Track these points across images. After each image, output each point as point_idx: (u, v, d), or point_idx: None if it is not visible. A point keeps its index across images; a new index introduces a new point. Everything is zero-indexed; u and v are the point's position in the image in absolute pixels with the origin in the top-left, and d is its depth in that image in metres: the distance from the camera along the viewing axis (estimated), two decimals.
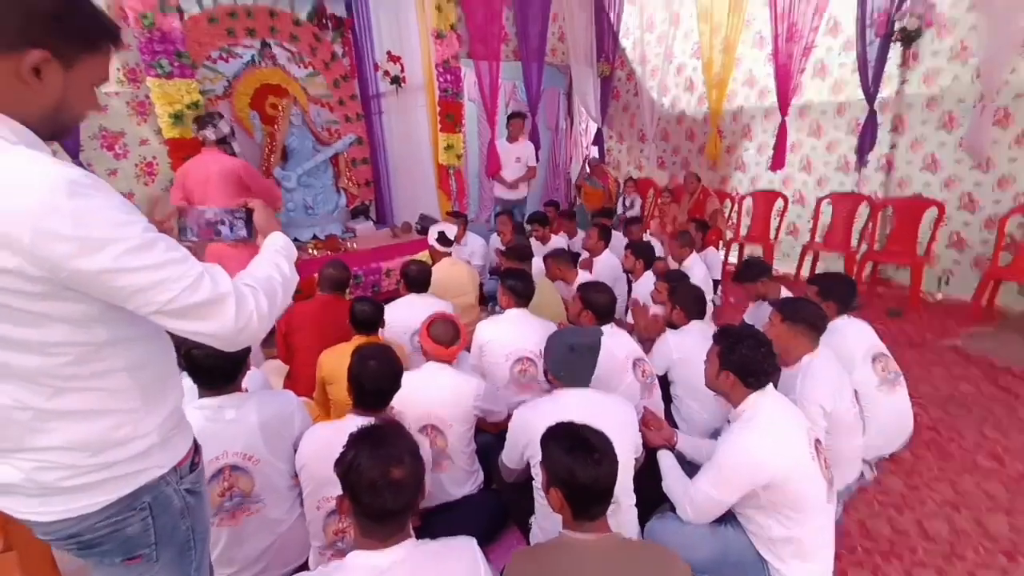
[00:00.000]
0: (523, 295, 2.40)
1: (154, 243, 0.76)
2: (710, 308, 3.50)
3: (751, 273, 2.82)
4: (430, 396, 1.89)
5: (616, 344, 2.15)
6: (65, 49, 0.74)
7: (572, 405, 1.62)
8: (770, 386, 1.56)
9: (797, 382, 1.83)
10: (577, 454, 1.14)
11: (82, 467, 0.82)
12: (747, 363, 1.51)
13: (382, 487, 0.99)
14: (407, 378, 1.96)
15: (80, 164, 2.63)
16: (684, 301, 2.37)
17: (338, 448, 1.53)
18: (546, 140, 6.95)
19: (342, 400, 2.12)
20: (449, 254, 3.52)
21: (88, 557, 0.90)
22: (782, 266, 4.95)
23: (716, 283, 3.97)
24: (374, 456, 1.02)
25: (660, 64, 5.47)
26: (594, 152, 6.27)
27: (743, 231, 5.19)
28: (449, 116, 4.24)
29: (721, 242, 5.18)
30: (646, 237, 5.09)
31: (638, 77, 5.71)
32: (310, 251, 4.20)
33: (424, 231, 4.56)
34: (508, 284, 2.39)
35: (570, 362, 1.66)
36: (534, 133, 5.27)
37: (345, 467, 1.03)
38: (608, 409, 1.64)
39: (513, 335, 2.33)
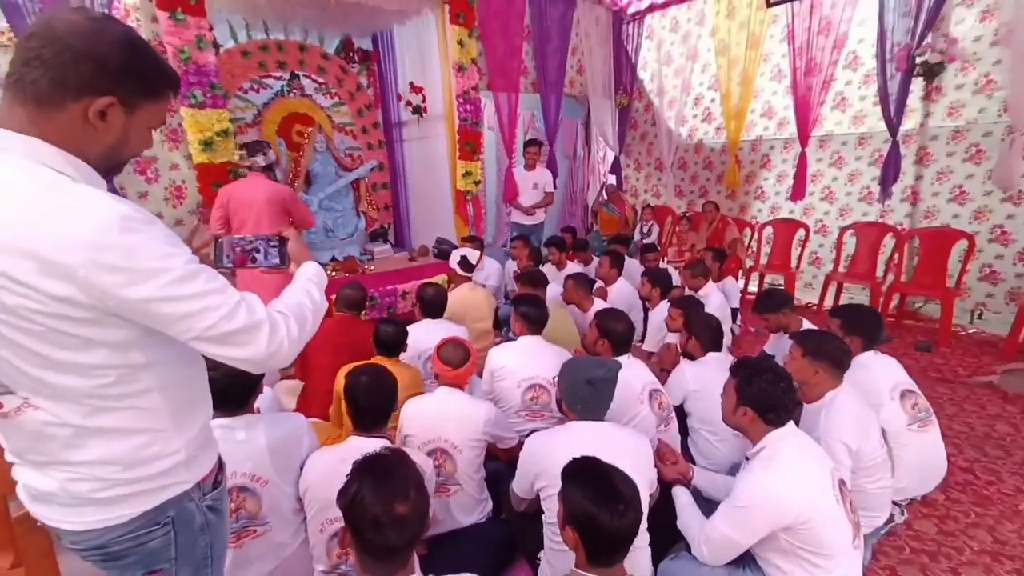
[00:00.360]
0: (536, 322, 2.39)
1: (196, 274, 0.80)
2: (728, 338, 3.43)
3: (772, 303, 2.75)
4: (439, 419, 1.88)
5: (633, 374, 2.11)
6: (129, 96, 0.80)
7: (586, 438, 1.58)
8: (791, 423, 1.50)
9: (820, 419, 1.76)
10: (602, 503, 1.08)
11: (113, 480, 0.85)
12: (766, 398, 1.46)
13: (385, 524, 0.97)
14: (418, 401, 1.96)
15: (113, 187, 2.75)
16: (700, 331, 2.32)
17: (341, 471, 1.52)
18: (564, 168, 7.04)
19: None
20: (470, 279, 3.53)
21: (111, 569, 0.92)
22: (804, 296, 4.84)
23: (735, 312, 3.89)
24: (378, 491, 1.00)
25: (678, 96, 5.54)
26: (611, 179, 6.31)
27: (763, 260, 5.12)
28: (468, 144, 4.33)
29: (741, 271, 5.11)
30: (663, 264, 5.09)
31: (656, 108, 5.78)
32: (329, 272, 4.29)
33: (441, 254, 4.62)
34: (521, 311, 2.38)
35: (587, 396, 1.62)
36: (551, 161, 5.35)
37: (348, 500, 1.01)
38: (623, 443, 1.59)
39: (526, 362, 2.30)
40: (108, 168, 0.85)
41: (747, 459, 1.55)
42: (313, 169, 4.56)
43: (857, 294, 4.50)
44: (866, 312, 2.29)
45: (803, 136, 4.59)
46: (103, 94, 0.77)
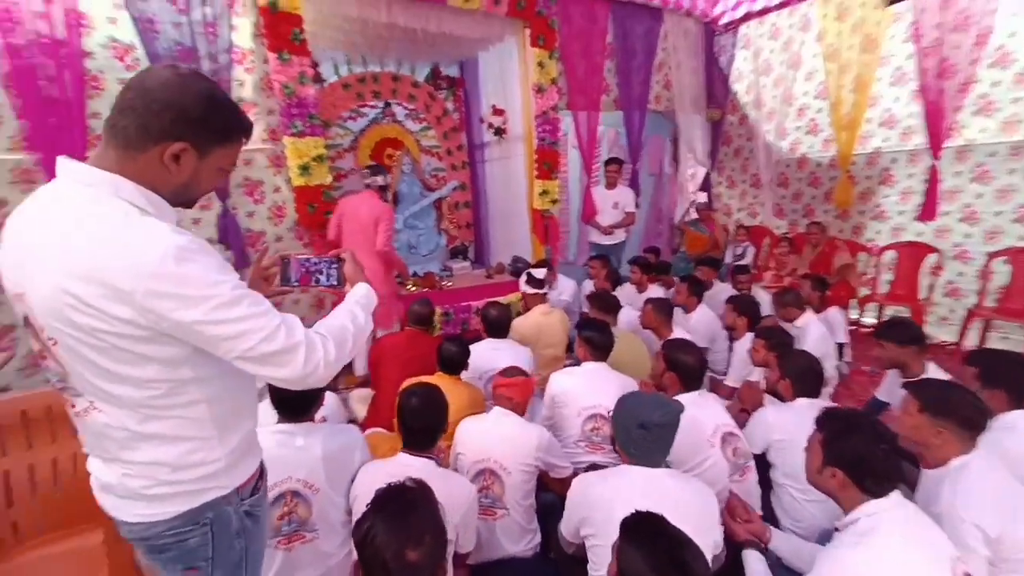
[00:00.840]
0: (600, 347, 2.26)
1: (240, 300, 0.86)
2: (833, 377, 3.00)
3: (899, 334, 2.24)
4: (491, 440, 1.84)
5: (704, 414, 1.90)
6: (202, 142, 0.90)
7: (638, 487, 1.43)
8: (896, 493, 1.22)
9: (943, 490, 1.43)
10: (664, 573, 0.96)
11: (160, 480, 0.94)
12: (861, 460, 1.21)
13: (394, 570, 0.93)
14: (473, 421, 1.93)
15: (226, 207, 3.11)
16: (794, 372, 2.02)
17: (385, 482, 1.52)
18: (649, 186, 6.76)
19: None
20: (543, 297, 3.45)
21: (155, 561, 1.01)
22: (937, 332, 4.11)
23: (841, 348, 3.40)
24: (391, 531, 0.96)
25: (777, 107, 5.08)
26: (702, 198, 5.93)
27: (883, 288, 4.45)
28: (546, 164, 4.32)
29: (854, 300, 4.49)
30: (757, 290, 4.63)
31: (752, 121, 5.36)
32: (408, 287, 4.48)
33: (516, 272, 4.62)
34: (585, 335, 2.27)
35: (640, 440, 1.47)
36: (634, 179, 5.16)
37: (360, 537, 0.98)
38: (681, 496, 1.42)
39: (588, 390, 2.18)
40: (180, 202, 0.95)
41: (836, 529, 1.29)
42: (400, 189, 4.84)
43: (1013, 333, 3.72)
44: (1015, 360, 1.84)
45: (935, 147, 3.95)
46: (178, 139, 0.86)
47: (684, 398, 1.95)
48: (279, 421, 1.66)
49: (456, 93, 5.39)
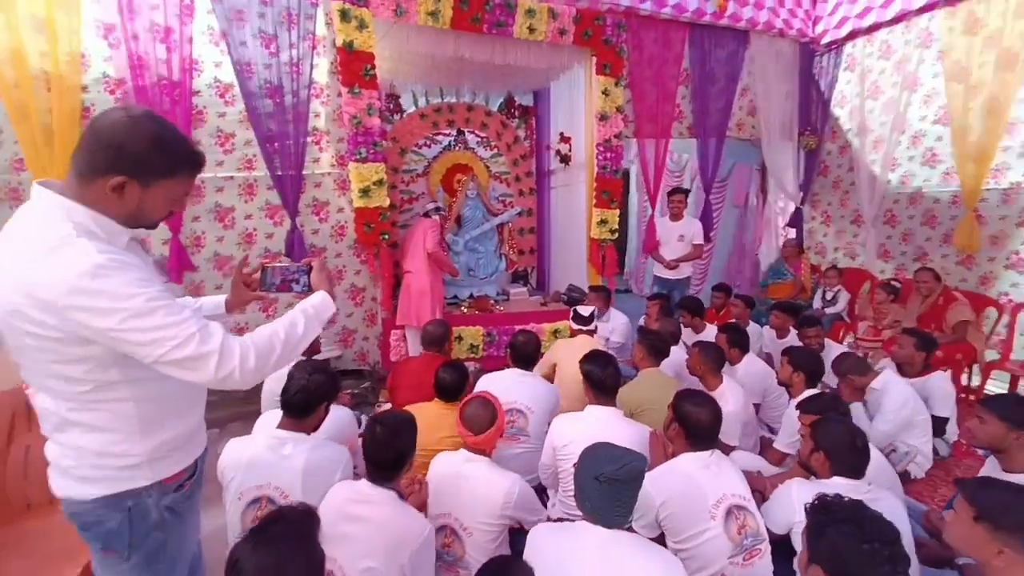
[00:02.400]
0: (602, 387, 2.10)
1: (155, 311, 0.97)
2: (921, 458, 2.49)
3: (1007, 410, 1.81)
4: (453, 491, 1.73)
5: (710, 480, 1.67)
6: (143, 176, 1.02)
7: (593, 548, 1.29)
8: None
9: None
10: None
11: (86, 463, 1.06)
12: (844, 565, 0.97)
13: None
14: (441, 461, 1.86)
15: (295, 224, 3.45)
16: (830, 444, 1.71)
17: (346, 511, 1.52)
18: (732, 218, 6.30)
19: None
20: (590, 332, 3.34)
21: (84, 538, 1.12)
22: None
23: (942, 422, 2.80)
24: (254, 562, 0.95)
25: (887, 134, 4.44)
26: (791, 233, 5.35)
27: (1017, 354, 3.62)
28: (605, 192, 4.20)
29: (976, 366, 3.71)
30: (847, 345, 4.05)
31: (855, 150, 4.74)
32: (462, 309, 4.58)
33: (570, 302, 4.51)
34: (585, 368, 2.13)
35: (595, 495, 1.33)
36: (707, 211, 4.81)
37: (229, 560, 0.99)
38: (642, 566, 1.25)
39: (591, 437, 2.01)
40: (136, 224, 1.07)
41: None
42: (464, 213, 5.01)
43: None
44: None
45: None
46: (119, 174, 0.98)
47: (690, 458, 1.73)
48: (279, 426, 1.75)
49: (528, 121, 5.50)
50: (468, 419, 1.81)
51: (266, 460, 1.65)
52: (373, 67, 3.41)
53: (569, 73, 4.51)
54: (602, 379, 2.08)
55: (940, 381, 2.83)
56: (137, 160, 0.99)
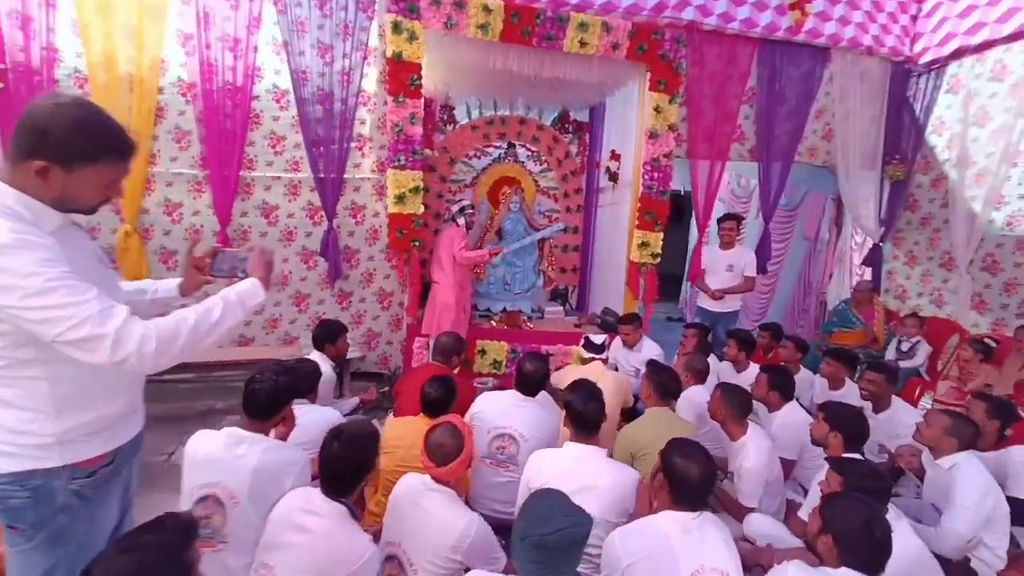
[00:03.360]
0: (581, 422, 1.92)
1: (53, 291, 0.98)
2: (991, 553, 2.06)
3: None
4: (405, 522, 1.64)
5: (686, 545, 1.46)
6: (64, 161, 1.05)
7: None
8: None
9: None
10: None
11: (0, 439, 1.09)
12: None
13: None
14: (401, 485, 1.77)
15: (331, 226, 3.58)
16: (842, 528, 1.42)
17: (294, 520, 1.49)
18: (800, 251, 5.75)
19: (387, 468, 2.10)
20: (603, 361, 3.20)
21: None
22: None
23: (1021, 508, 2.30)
24: (112, 569, 0.92)
25: (993, 167, 3.83)
26: (866, 274, 4.76)
27: None
28: (649, 214, 3.97)
29: None
30: (923, 406, 3.52)
31: (952, 183, 4.13)
32: (492, 322, 4.52)
33: (605, 326, 4.31)
34: (566, 400, 1.96)
35: (522, 557, 1.18)
36: (766, 241, 4.40)
37: (86, 568, 0.95)
38: None
39: (573, 475, 1.85)
40: (68, 208, 1.11)
41: None
42: (505, 226, 4.96)
43: None
44: None
45: None
46: (38, 158, 1.02)
47: (669, 518, 1.53)
48: (241, 424, 1.75)
49: (581, 137, 5.38)
50: (431, 448, 1.70)
51: (219, 458, 1.63)
52: (419, 77, 3.48)
53: (624, 89, 4.35)
54: (582, 413, 1.91)
55: (1021, 457, 2.34)
56: (59, 145, 1.02)
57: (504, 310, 4.81)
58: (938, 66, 4.29)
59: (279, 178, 3.54)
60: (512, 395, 2.47)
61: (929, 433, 2.23)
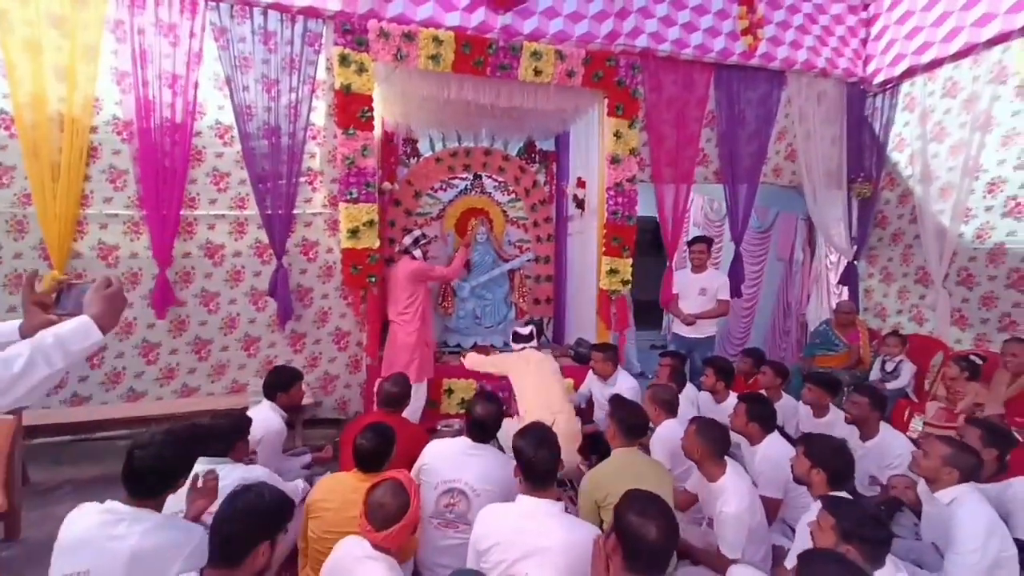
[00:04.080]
0: (532, 472, 1.68)
1: None
2: None
3: None
4: None
5: None
6: None
7: None
8: None
9: None
10: None
11: None
12: None
13: None
14: (340, 548, 1.53)
15: (280, 264, 3.40)
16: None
17: None
18: (776, 273, 5.68)
19: (315, 535, 1.84)
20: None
21: None
22: None
23: None
24: None
25: (956, 180, 3.81)
26: (844, 293, 4.66)
27: None
28: (615, 239, 3.85)
29: None
30: (914, 430, 3.36)
31: (918, 198, 4.10)
32: (461, 358, 4.28)
33: (577, 357, 4.12)
34: (517, 444, 1.73)
35: None
36: (738, 264, 4.29)
37: None
38: None
39: (523, 536, 1.61)
40: None
41: None
42: (472, 258, 4.81)
43: None
44: None
45: None
46: None
47: None
48: (122, 498, 1.48)
49: (548, 166, 5.32)
50: (371, 509, 1.48)
51: (88, 539, 1.37)
52: (370, 109, 3.39)
53: (586, 116, 4.32)
54: (532, 462, 1.68)
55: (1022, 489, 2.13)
56: None
57: (475, 345, 4.59)
58: (891, 85, 4.35)
59: (223, 216, 3.36)
60: (462, 443, 2.19)
61: (928, 464, 2.02)
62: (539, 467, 1.66)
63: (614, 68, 3.76)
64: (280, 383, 2.48)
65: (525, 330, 3.52)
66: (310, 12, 3.29)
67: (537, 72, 3.64)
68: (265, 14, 3.26)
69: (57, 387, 3.17)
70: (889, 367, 3.86)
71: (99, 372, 3.26)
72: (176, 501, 1.64)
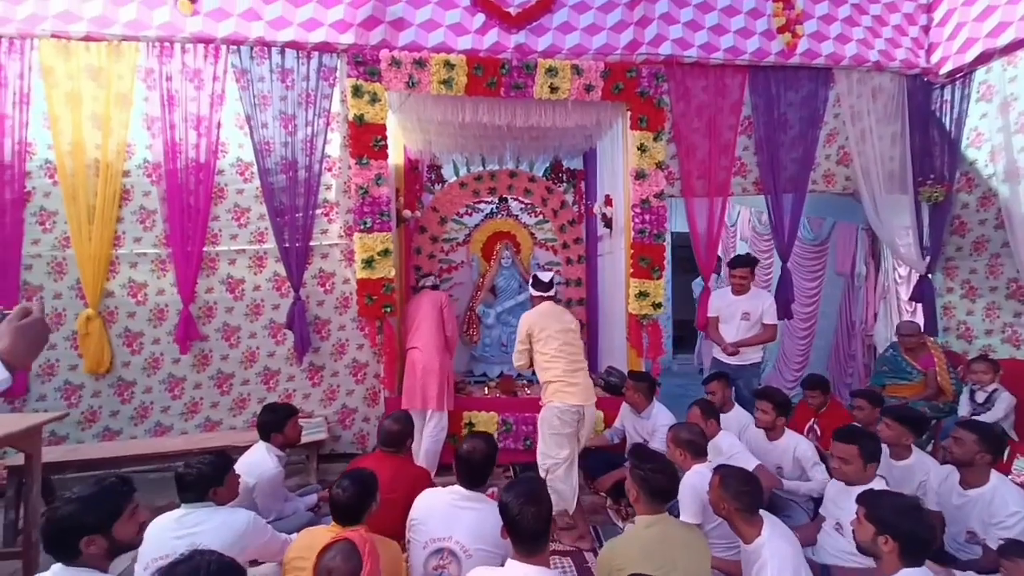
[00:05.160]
0: (525, 538, 1.44)
1: None
2: None
3: None
4: None
5: None
6: None
7: None
8: None
9: None
10: None
11: None
12: None
13: None
14: None
15: (298, 296, 3.39)
16: None
17: None
18: (836, 289, 5.10)
19: None
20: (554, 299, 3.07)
21: None
22: None
23: None
24: None
25: None
26: (918, 312, 4.08)
27: None
28: (643, 260, 3.57)
29: None
30: (1020, 472, 2.81)
31: (1003, 200, 3.53)
32: (485, 391, 4.09)
33: (607, 387, 3.82)
34: (503, 501, 1.49)
35: None
36: (786, 282, 3.86)
37: None
38: None
39: None
40: None
41: None
42: (498, 283, 4.67)
43: None
44: None
45: None
46: None
47: None
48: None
49: (577, 185, 5.13)
50: (318, 574, 1.31)
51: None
52: (383, 138, 3.37)
53: (611, 131, 4.11)
54: (518, 521, 1.43)
55: None
56: None
57: (501, 374, 4.39)
58: (962, 74, 3.82)
59: (243, 251, 3.42)
60: (452, 493, 1.93)
61: None
62: (525, 527, 1.42)
63: (635, 79, 3.54)
64: (273, 422, 2.38)
65: (546, 276, 3.05)
66: (324, 47, 3.34)
67: (553, 89, 3.49)
68: (283, 53, 3.34)
69: (89, 421, 3.28)
70: (980, 398, 3.27)
71: (129, 407, 3.35)
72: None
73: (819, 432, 3.19)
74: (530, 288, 3.09)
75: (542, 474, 2.81)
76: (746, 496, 1.82)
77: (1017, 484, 2.34)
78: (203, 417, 3.45)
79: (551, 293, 3.04)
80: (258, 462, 2.27)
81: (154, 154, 3.27)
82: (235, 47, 3.28)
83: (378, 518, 2.05)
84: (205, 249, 3.32)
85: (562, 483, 2.77)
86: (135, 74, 3.22)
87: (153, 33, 3.17)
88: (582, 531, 2.77)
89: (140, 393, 3.36)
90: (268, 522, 2.37)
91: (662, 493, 1.83)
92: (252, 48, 3.30)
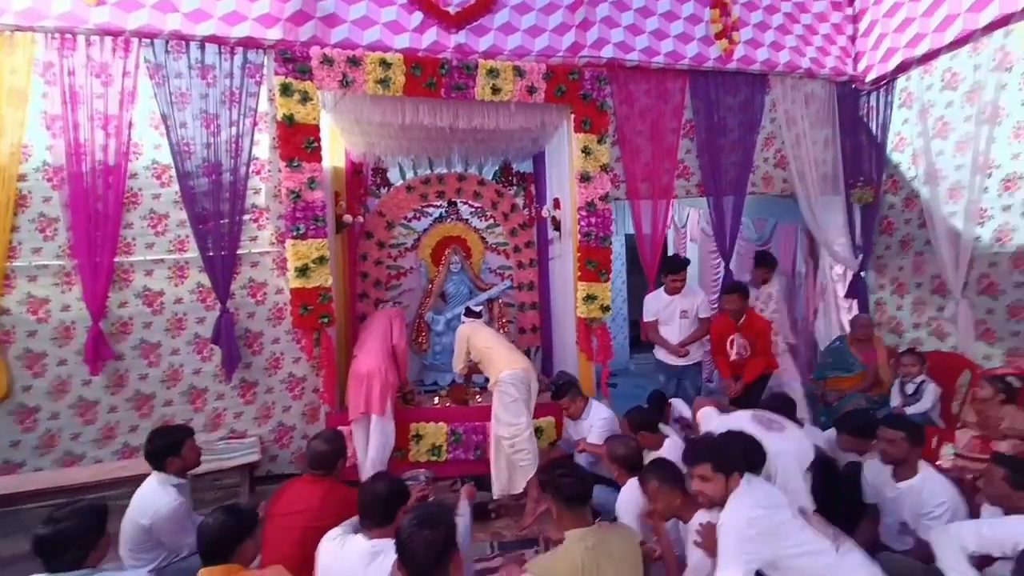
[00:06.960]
0: (414, 570, 1.32)
1: None
2: None
3: None
4: None
5: None
6: None
7: None
8: None
9: None
10: None
11: None
12: None
13: None
14: None
15: (225, 308, 3.16)
16: None
17: None
18: (780, 290, 5.25)
19: None
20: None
21: None
22: None
23: None
24: None
25: (965, 179, 3.43)
26: (853, 307, 4.25)
27: None
28: (590, 263, 3.54)
29: None
30: (945, 459, 2.93)
31: (925, 201, 3.72)
32: (437, 398, 3.95)
33: (557, 393, 3.74)
34: (402, 534, 1.35)
35: None
36: (728, 281, 3.93)
37: None
38: None
39: None
40: None
41: None
42: (447, 289, 4.54)
43: None
44: None
45: None
46: None
47: None
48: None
49: (527, 189, 5.07)
50: None
51: None
52: (316, 140, 3.19)
53: (557, 134, 4.07)
54: (406, 543, 1.30)
55: None
56: None
57: (452, 382, 4.26)
58: (886, 82, 4.02)
59: (162, 260, 3.15)
60: (361, 545, 1.66)
61: None
62: (415, 555, 1.29)
63: (578, 81, 3.52)
64: (166, 447, 2.11)
65: (477, 308, 3.60)
66: (250, 43, 3.14)
67: (495, 90, 3.41)
68: (202, 48, 3.11)
69: None
70: (910, 389, 3.41)
71: (32, 436, 3.01)
72: None
73: (746, 346, 3.46)
74: (463, 317, 3.66)
75: (508, 448, 3.00)
76: (674, 489, 1.81)
77: (944, 470, 2.43)
78: (120, 443, 3.15)
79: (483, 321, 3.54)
80: (151, 498, 2.02)
81: (55, 156, 2.96)
82: (148, 40, 3.02)
83: (284, 532, 1.92)
84: (117, 259, 3.04)
85: (527, 449, 2.99)
86: (31, 68, 2.91)
87: (52, 23, 2.87)
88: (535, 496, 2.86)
89: (45, 420, 3.03)
90: (183, 558, 2.17)
91: (577, 498, 1.74)
92: (167, 42, 3.06)
